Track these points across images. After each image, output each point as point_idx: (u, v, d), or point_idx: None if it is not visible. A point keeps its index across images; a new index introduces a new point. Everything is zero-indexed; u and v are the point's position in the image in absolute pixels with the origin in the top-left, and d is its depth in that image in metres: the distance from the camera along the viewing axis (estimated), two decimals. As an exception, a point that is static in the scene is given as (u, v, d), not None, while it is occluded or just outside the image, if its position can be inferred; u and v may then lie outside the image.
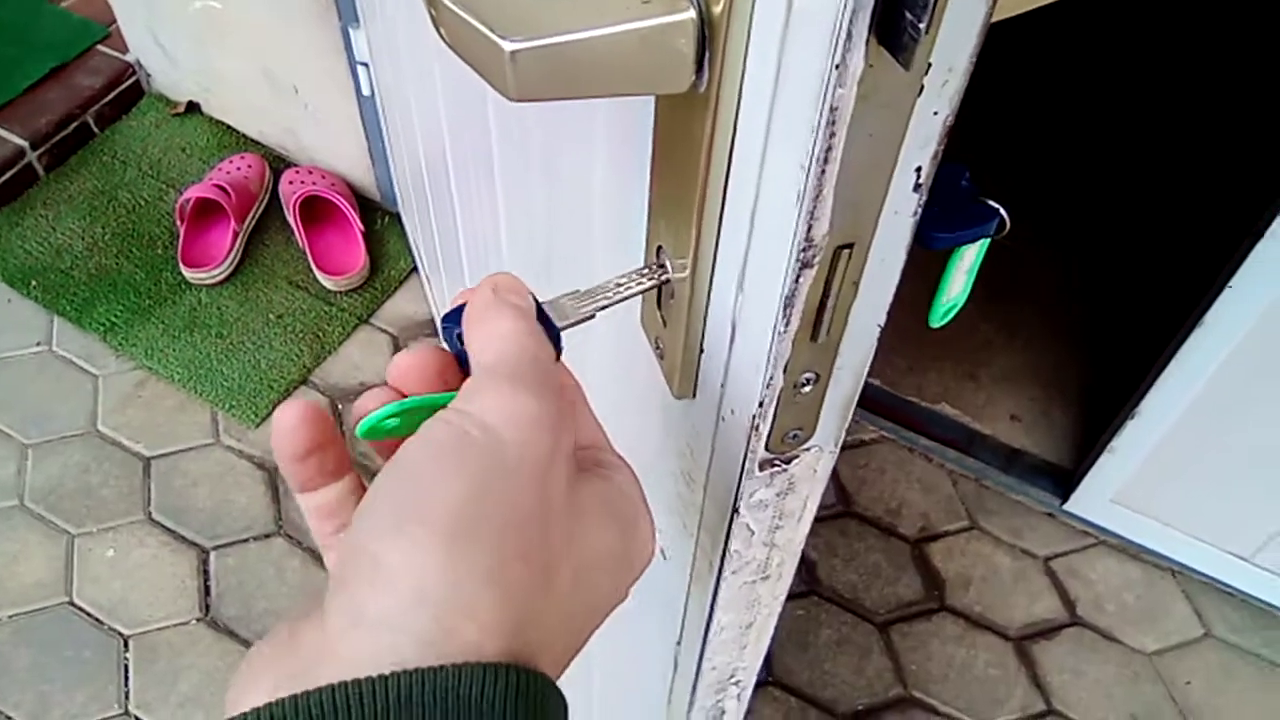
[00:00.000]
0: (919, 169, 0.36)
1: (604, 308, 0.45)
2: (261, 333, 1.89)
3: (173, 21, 2.03)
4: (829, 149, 0.32)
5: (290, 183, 2.00)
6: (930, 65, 0.31)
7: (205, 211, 1.96)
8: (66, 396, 1.83)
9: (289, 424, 0.36)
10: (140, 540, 1.69)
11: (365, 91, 1.83)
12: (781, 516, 0.56)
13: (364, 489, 0.37)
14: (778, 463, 0.50)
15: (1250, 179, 1.61)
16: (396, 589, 0.28)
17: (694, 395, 0.52)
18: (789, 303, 0.38)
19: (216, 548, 1.68)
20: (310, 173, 2.02)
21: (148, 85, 2.23)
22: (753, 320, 0.42)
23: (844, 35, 0.29)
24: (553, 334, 0.40)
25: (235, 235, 1.94)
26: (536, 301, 0.40)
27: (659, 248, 0.49)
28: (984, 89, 2.38)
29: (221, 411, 1.81)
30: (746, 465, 0.49)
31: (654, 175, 0.47)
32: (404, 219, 2.03)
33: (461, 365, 0.39)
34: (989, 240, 0.57)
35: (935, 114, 0.33)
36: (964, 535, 1.76)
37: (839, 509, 1.77)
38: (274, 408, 1.81)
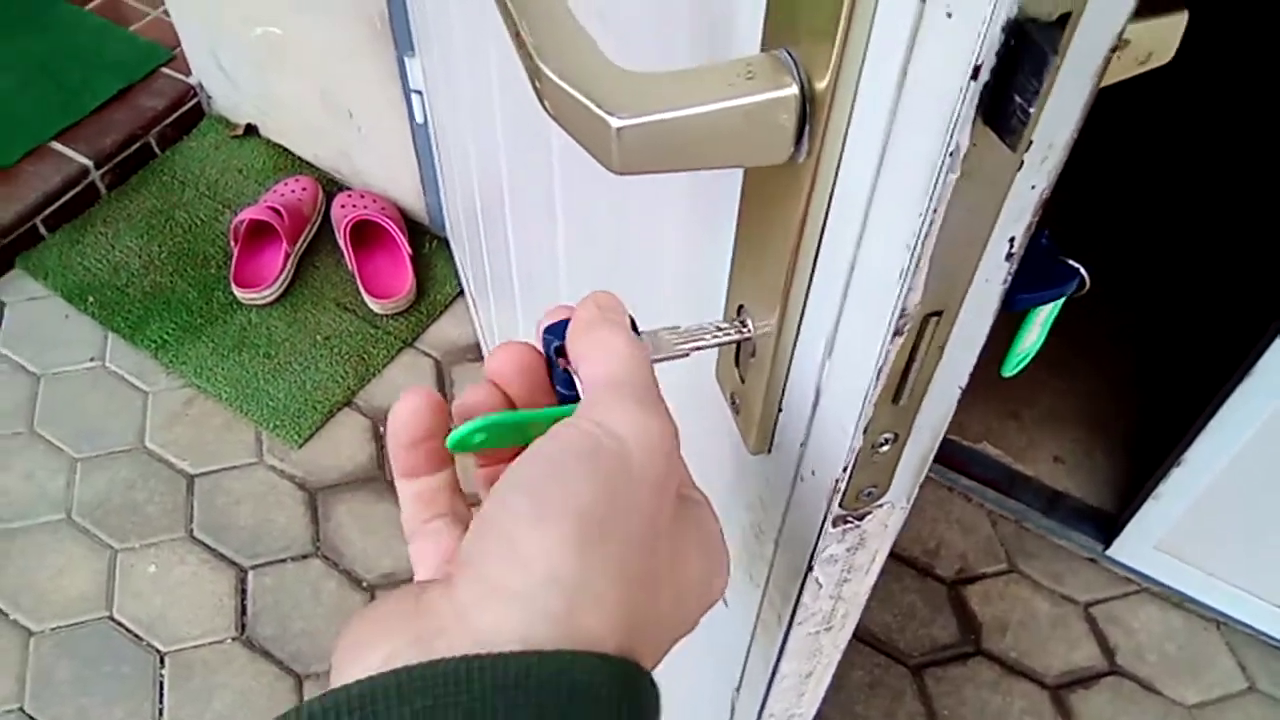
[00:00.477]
0: (1012, 239, 0.36)
1: (699, 349, 0.46)
2: (308, 354, 1.92)
3: (234, 46, 2.08)
4: (930, 224, 0.33)
5: (342, 206, 2.04)
6: (1032, 142, 0.31)
7: (258, 233, 1.99)
8: (117, 412, 1.88)
9: (409, 409, 0.37)
10: (181, 557, 1.72)
11: (419, 119, 1.86)
12: (850, 570, 0.57)
13: (459, 484, 0.40)
14: (850, 519, 0.50)
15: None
16: (532, 570, 0.29)
17: (769, 451, 0.53)
18: (878, 370, 0.39)
19: (255, 566, 1.71)
20: (362, 197, 2.06)
21: (209, 107, 2.28)
22: (839, 385, 0.43)
23: (956, 119, 0.30)
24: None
25: (287, 256, 1.98)
26: (634, 323, 0.40)
27: (740, 305, 0.49)
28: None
29: (266, 431, 1.84)
30: (828, 519, 0.49)
31: (740, 236, 0.48)
32: (452, 244, 2.05)
33: (552, 375, 0.40)
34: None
35: (1033, 188, 0.34)
36: (1002, 578, 1.73)
37: (876, 547, 1.75)
38: (316, 429, 1.84)
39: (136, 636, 1.64)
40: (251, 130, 2.24)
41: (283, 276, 1.97)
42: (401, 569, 1.70)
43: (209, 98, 2.26)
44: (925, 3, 0.29)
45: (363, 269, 1.98)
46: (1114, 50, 0.30)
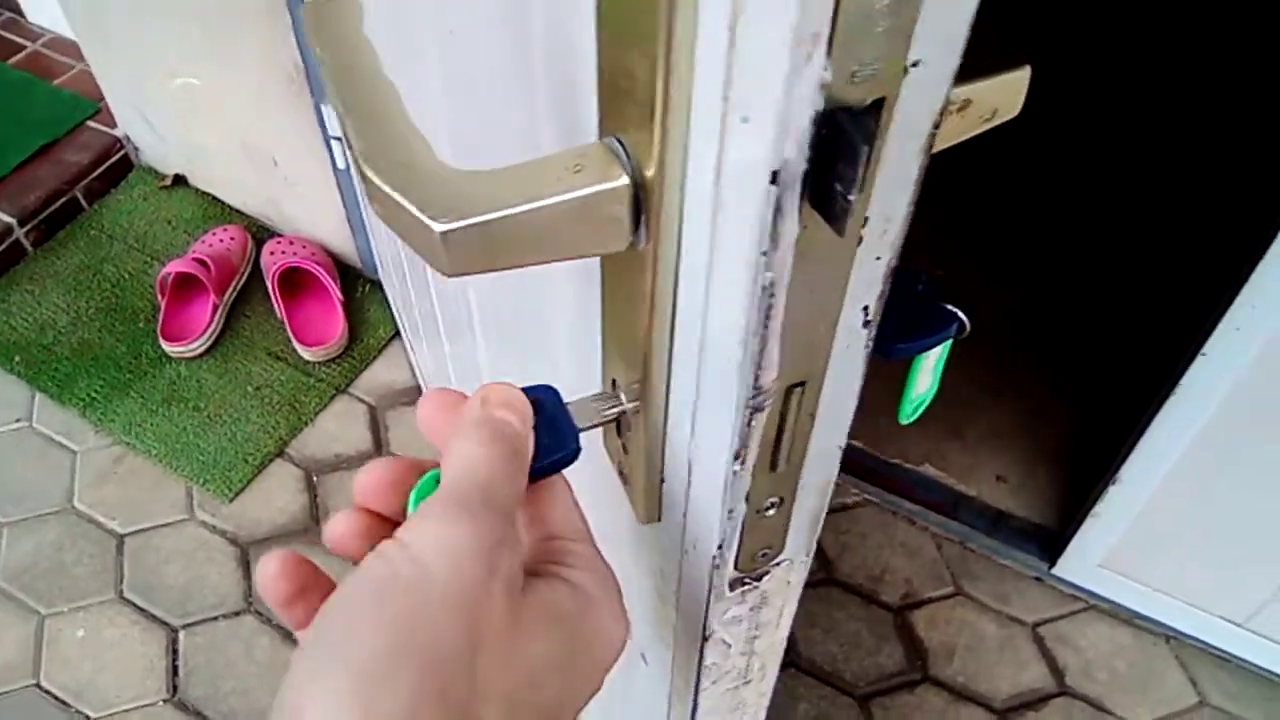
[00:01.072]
0: (866, 308, 0.37)
1: (590, 427, 0.46)
2: (239, 405, 1.89)
3: (157, 97, 2.05)
4: (769, 306, 0.33)
5: (271, 253, 2.01)
6: (867, 219, 0.31)
7: (185, 285, 1.97)
8: (45, 473, 1.84)
9: (270, 573, 0.38)
10: (111, 619, 1.67)
11: (340, 164, 1.84)
12: (758, 627, 0.57)
13: None
14: (748, 580, 0.51)
15: (1224, 246, 1.57)
16: None
17: (659, 519, 0.54)
18: (742, 444, 0.39)
19: (186, 625, 1.67)
20: (291, 243, 2.03)
21: (137, 159, 2.25)
22: (707, 459, 0.43)
23: (774, 208, 0.30)
24: (570, 434, 0.42)
25: (215, 308, 1.95)
26: (548, 401, 0.42)
27: (614, 380, 0.50)
28: (972, 147, 2.34)
29: (196, 486, 1.81)
30: (714, 590, 0.50)
31: (604, 313, 0.48)
32: (385, 286, 2.03)
33: None
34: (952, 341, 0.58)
35: (878, 259, 0.34)
36: (948, 602, 1.71)
37: (820, 576, 1.72)
38: (248, 482, 1.81)
39: (64, 703, 1.60)
40: (180, 180, 2.22)
41: (211, 328, 1.94)
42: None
43: (136, 149, 2.23)
44: (725, 105, 0.29)
45: (293, 317, 1.96)
46: (937, 126, 0.30)
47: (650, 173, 0.34)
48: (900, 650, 1.66)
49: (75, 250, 2.12)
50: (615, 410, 0.48)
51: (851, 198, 0.28)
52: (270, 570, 0.38)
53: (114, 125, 2.21)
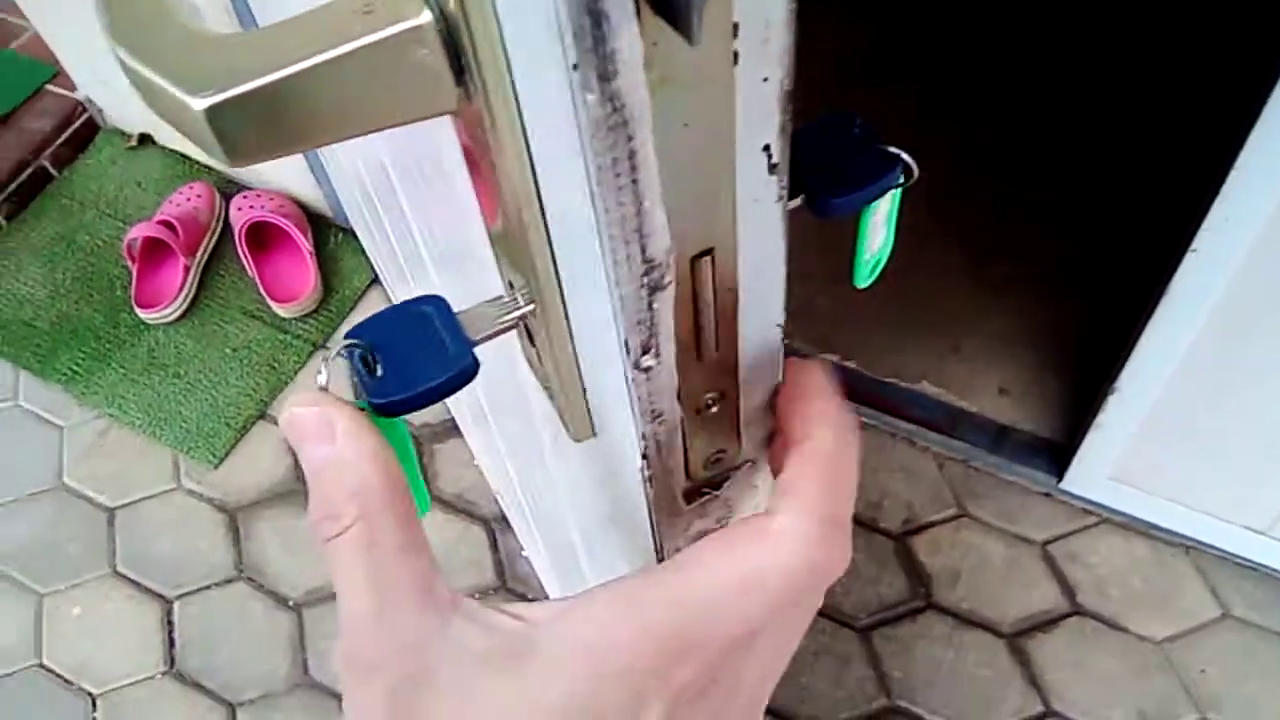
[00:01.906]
0: (767, 147, 0.30)
1: (492, 335, 0.39)
2: (218, 368, 1.86)
3: (109, 56, 1.97)
4: (632, 154, 0.27)
5: (238, 209, 1.95)
6: (737, 25, 0.26)
7: (155, 249, 1.92)
8: (33, 452, 1.83)
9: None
10: (106, 595, 1.68)
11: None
12: None
13: None
14: (706, 490, 0.46)
15: (1210, 135, 1.43)
16: None
17: (594, 434, 0.47)
18: (650, 332, 0.34)
19: (180, 596, 1.66)
20: (259, 196, 1.97)
21: (102, 121, 2.20)
22: (618, 355, 0.37)
23: (590, 17, 0.24)
24: (460, 349, 0.35)
25: (186, 270, 1.91)
26: (434, 315, 0.35)
27: (510, 280, 0.43)
28: (976, 43, 2.20)
29: (181, 454, 1.79)
30: (663, 506, 0.45)
31: (477, 195, 0.41)
32: (357, 230, 1.96)
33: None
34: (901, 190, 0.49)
35: (765, 80, 0.28)
36: (952, 524, 1.64)
37: (816, 506, 1.66)
38: (232, 447, 1.79)
39: (67, 682, 1.61)
40: (146, 139, 2.16)
41: (184, 291, 1.90)
42: (326, 584, 1.65)
43: (100, 110, 2.18)
44: None
45: (264, 273, 1.91)
46: None
47: (452, 3, 0.28)
48: (902, 578, 1.60)
49: (48, 221, 2.08)
50: (512, 315, 0.40)
51: None
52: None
53: (74, 89, 2.15)
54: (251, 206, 1.94)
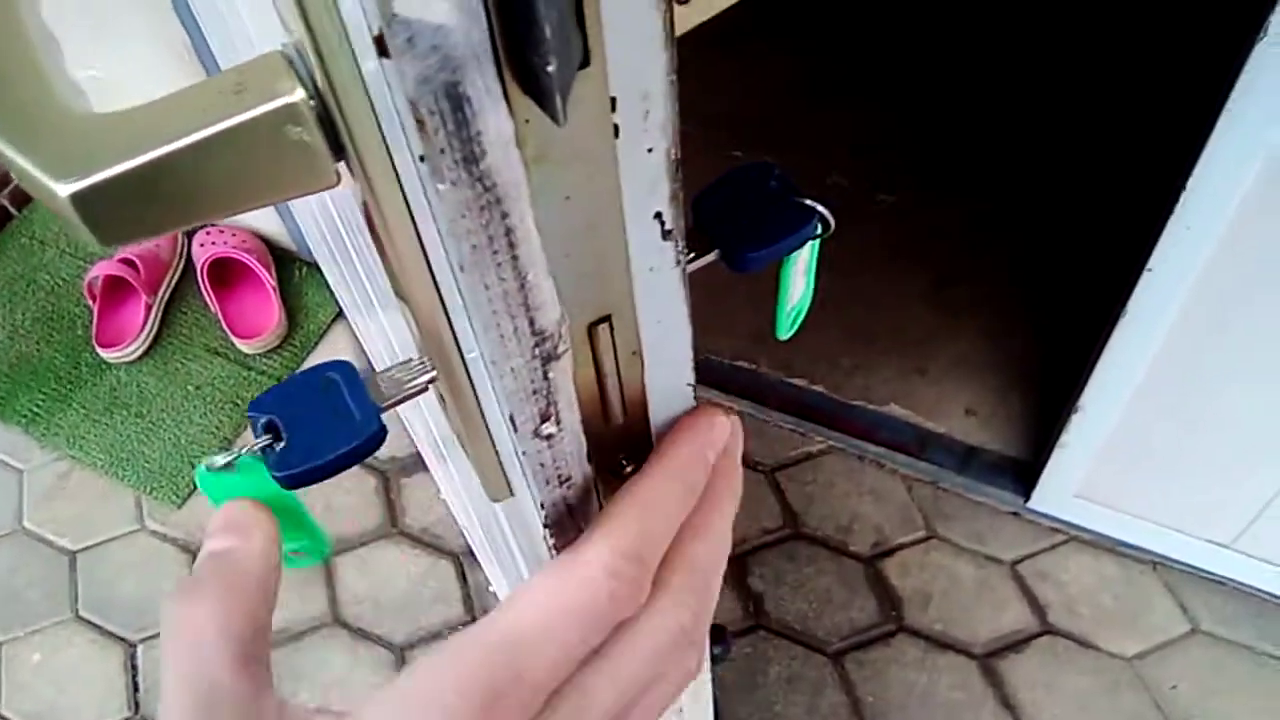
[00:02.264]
0: (659, 215, 0.30)
1: (400, 401, 0.39)
2: (181, 407, 1.84)
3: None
4: (509, 230, 0.27)
5: (200, 245, 1.94)
6: (615, 100, 0.26)
7: (116, 287, 1.90)
8: (-8, 496, 1.80)
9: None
10: (68, 640, 1.65)
11: (253, 146, 1.76)
12: None
13: None
14: None
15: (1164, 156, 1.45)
16: None
17: (512, 495, 0.47)
18: (549, 400, 0.33)
19: (144, 640, 1.64)
20: (221, 232, 1.96)
21: (63, 158, 2.18)
22: (517, 422, 0.37)
23: (447, 99, 0.23)
24: (366, 415, 0.34)
25: (148, 308, 1.89)
26: (341, 380, 0.35)
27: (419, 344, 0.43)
28: (937, 71, 2.22)
29: (144, 495, 1.77)
30: None
31: (383, 260, 0.41)
32: (321, 266, 1.95)
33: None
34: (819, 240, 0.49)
35: (650, 151, 0.28)
36: (921, 546, 1.64)
37: (786, 532, 1.66)
38: (196, 487, 1.76)
39: (27, 731, 1.58)
40: (108, 176, 2.14)
41: (146, 330, 1.88)
42: (294, 623, 1.62)
43: (61, 148, 2.16)
44: None
45: (227, 309, 1.89)
46: None
47: (321, 81, 0.27)
48: (873, 601, 1.59)
49: (8, 260, 2.06)
50: (421, 380, 0.40)
51: (550, 68, 0.21)
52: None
53: (34, 126, 2.14)
54: (214, 242, 1.92)
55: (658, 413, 0.38)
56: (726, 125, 2.08)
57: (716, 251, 0.39)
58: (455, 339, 0.35)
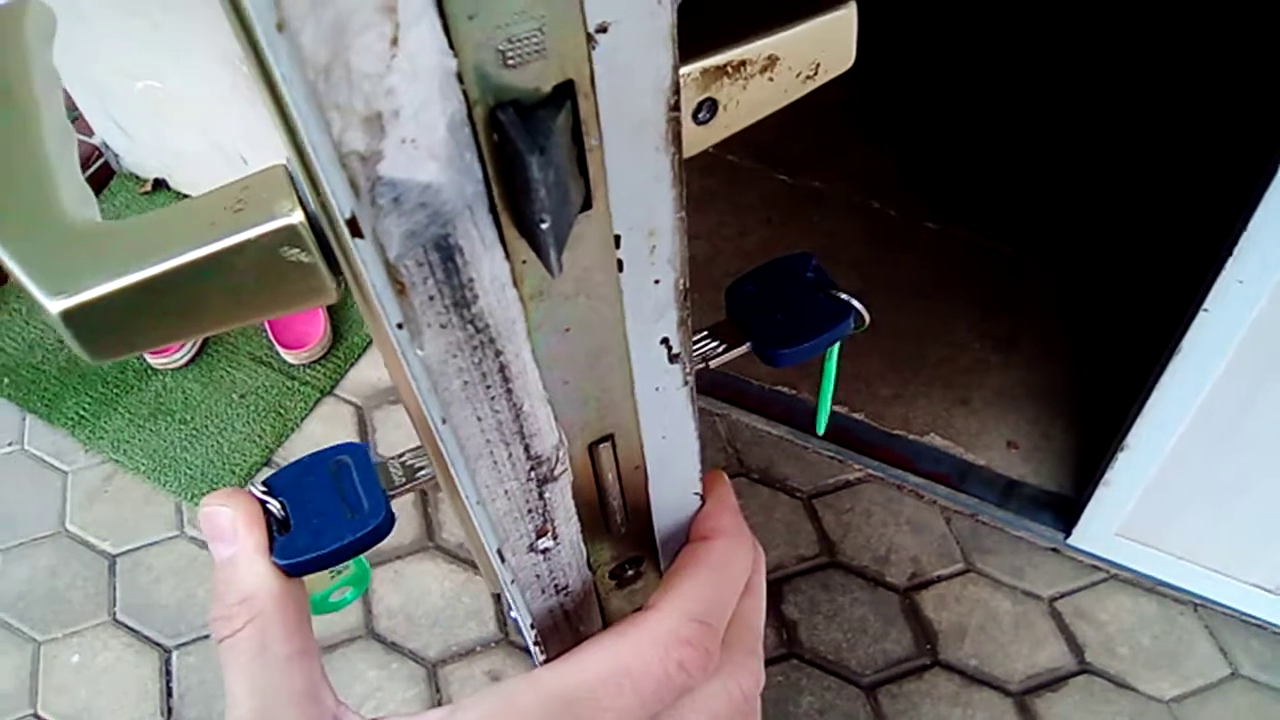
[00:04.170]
0: (665, 340, 0.30)
1: (399, 493, 0.38)
2: (224, 415, 1.86)
3: (123, 102, 2.01)
4: (503, 367, 0.26)
5: (248, 256, 1.96)
6: (619, 238, 0.25)
7: (164, 294, 1.93)
8: (37, 496, 1.83)
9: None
10: (105, 643, 1.66)
11: (303, 160, 1.78)
12: None
13: None
14: None
15: (1224, 194, 1.44)
16: None
17: None
18: (546, 517, 0.33)
19: (179, 646, 1.65)
20: (269, 243, 1.98)
21: (118, 165, 2.22)
22: (511, 535, 0.36)
23: (438, 250, 0.23)
24: (376, 502, 0.34)
25: (195, 316, 1.91)
26: (354, 464, 0.34)
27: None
28: (985, 100, 2.21)
29: (185, 501, 1.78)
30: None
31: (386, 362, 0.41)
32: (367, 281, 1.97)
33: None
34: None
35: (657, 283, 0.27)
36: (959, 579, 1.62)
37: (822, 560, 1.65)
38: (235, 493, 1.78)
39: (64, 732, 1.59)
40: (161, 185, 2.18)
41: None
42: (326, 635, 1.64)
43: (116, 155, 2.20)
44: (327, 114, 0.21)
45: (273, 320, 1.91)
46: (675, 106, 0.23)
47: (315, 203, 0.27)
48: (909, 634, 1.58)
49: (59, 265, 2.09)
50: (427, 472, 0.39)
51: (544, 224, 0.21)
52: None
53: (91, 133, 2.18)
54: (261, 253, 1.95)
55: (662, 521, 0.38)
56: (774, 153, 2.08)
57: (748, 345, 0.39)
58: (445, 459, 0.34)
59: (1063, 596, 1.60)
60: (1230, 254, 1.14)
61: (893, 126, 2.18)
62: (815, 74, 0.33)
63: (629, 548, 0.37)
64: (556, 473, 0.31)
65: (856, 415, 1.75)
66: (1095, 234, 1.95)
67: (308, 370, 1.90)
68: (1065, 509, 1.62)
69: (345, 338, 1.94)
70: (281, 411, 1.86)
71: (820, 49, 0.33)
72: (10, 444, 1.90)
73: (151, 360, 1.90)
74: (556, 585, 0.36)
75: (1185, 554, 1.52)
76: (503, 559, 0.33)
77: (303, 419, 1.86)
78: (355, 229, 0.21)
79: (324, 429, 1.85)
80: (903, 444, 1.72)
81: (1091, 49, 2.28)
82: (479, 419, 0.27)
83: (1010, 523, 1.65)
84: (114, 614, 1.69)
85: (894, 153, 2.11)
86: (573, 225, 0.22)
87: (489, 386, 0.26)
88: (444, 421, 0.27)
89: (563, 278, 0.25)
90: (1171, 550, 1.52)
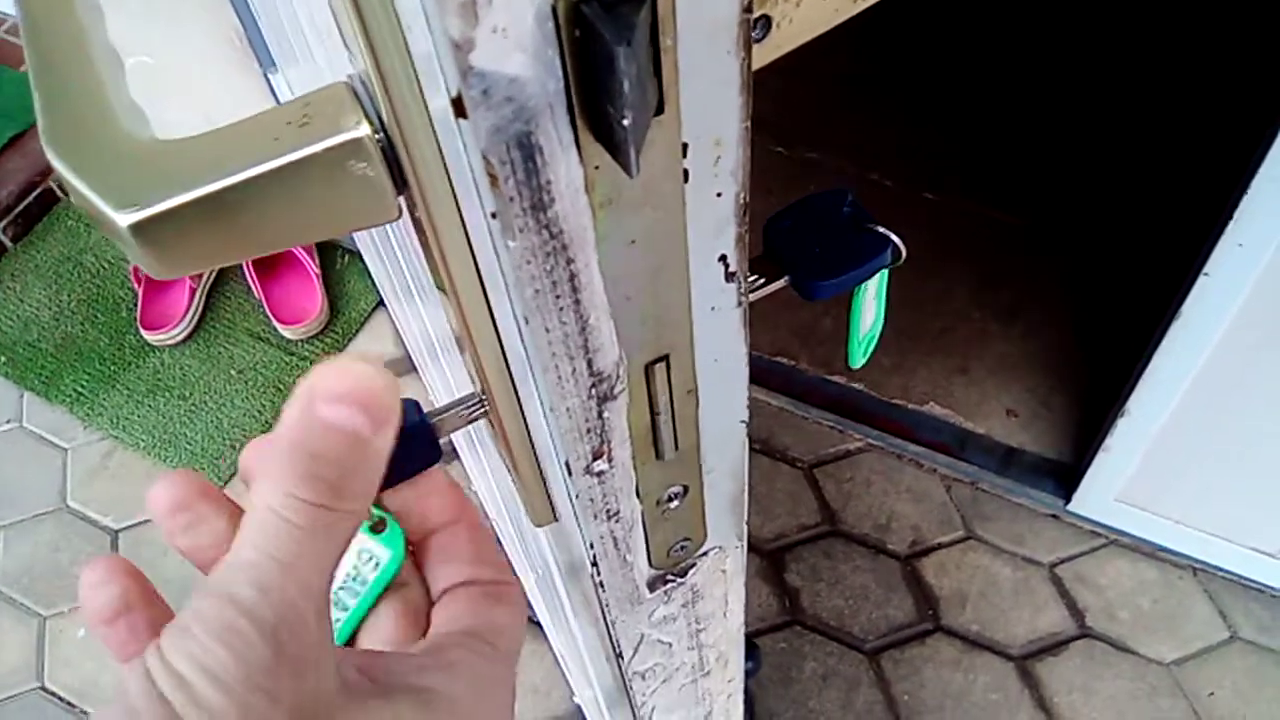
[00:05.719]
0: (724, 257, 0.30)
1: (454, 430, 0.39)
2: (223, 390, 1.86)
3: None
4: (573, 276, 0.26)
5: (245, 231, 1.96)
6: (686, 146, 0.25)
7: (161, 270, 1.92)
8: (37, 473, 1.82)
9: (93, 580, 0.30)
10: (109, 617, 1.66)
11: (300, 133, 1.77)
12: (699, 620, 0.53)
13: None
14: (670, 578, 0.47)
15: (1225, 157, 1.44)
16: None
17: (556, 519, 0.48)
18: (603, 438, 0.34)
19: (184, 620, 1.65)
20: (265, 218, 1.97)
21: (109, 142, 2.20)
22: (568, 457, 0.37)
23: (518, 147, 0.23)
24: (427, 448, 0.34)
25: (193, 292, 1.91)
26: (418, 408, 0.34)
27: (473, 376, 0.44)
28: (981, 70, 2.20)
29: (186, 476, 1.78)
30: (626, 596, 0.45)
31: (446, 298, 0.41)
32: (364, 254, 1.97)
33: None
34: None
35: (719, 196, 0.28)
36: (959, 546, 1.63)
37: (824, 529, 1.66)
38: (236, 470, 1.78)
39: (69, 704, 1.60)
40: (154, 161, 2.17)
41: (190, 313, 1.90)
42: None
43: (108, 132, 2.18)
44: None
45: (270, 295, 1.91)
46: (749, 8, 0.23)
47: (388, 116, 0.27)
48: (910, 600, 1.59)
49: (54, 242, 2.08)
50: (474, 414, 0.40)
51: (626, 121, 0.21)
52: (93, 576, 0.30)
53: (82, 109, 2.16)
54: (258, 228, 1.94)
55: (709, 448, 0.38)
56: (772, 124, 2.08)
57: (786, 279, 0.39)
58: (511, 377, 0.35)
59: (1063, 562, 1.61)
60: (1231, 217, 1.15)
61: (890, 97, 2.18)
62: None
63: (676, 475, 0.38)
64: (616, 391, 0.32)
65: (856, 385, 1.76)
66: (1094, 202, 1.95)
67: (305, 345, 1.90)
68: (1065, 476, 1.63)
69: (342, 312, 1.94)
70: (280, 386, 1.86)
71: None
72: (8, 421, 1.89)
73: (149, 336, 1.89)
74: (608, 511, 0.37)
75: (1184, 518, 1.53)
76: (570, 472, 0.33)
77: (302, 394, 1.86)
78: (459, 109, 0.21)
79: (324, 403, 1.85)
80: (903, 413, 1.73)
81: (1090, 17, 2.28)
82: (547, 330, 0.28)
83: (1010, 490, 1.66)
84: (117, 589, 1.69)
85: (892, 124, 2.11)
86: (649, 128, 0.22)
87: (558, 296, 0.27)
88: (526, 319, 0.27)
89: (631, 186, 0.25)
90: (1171, 515, 1.53)
